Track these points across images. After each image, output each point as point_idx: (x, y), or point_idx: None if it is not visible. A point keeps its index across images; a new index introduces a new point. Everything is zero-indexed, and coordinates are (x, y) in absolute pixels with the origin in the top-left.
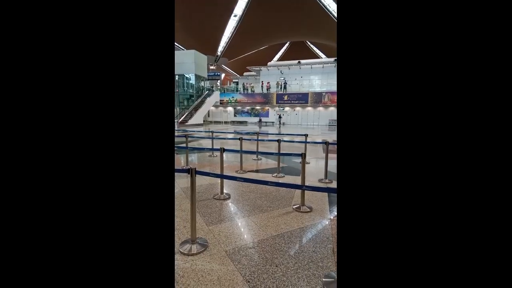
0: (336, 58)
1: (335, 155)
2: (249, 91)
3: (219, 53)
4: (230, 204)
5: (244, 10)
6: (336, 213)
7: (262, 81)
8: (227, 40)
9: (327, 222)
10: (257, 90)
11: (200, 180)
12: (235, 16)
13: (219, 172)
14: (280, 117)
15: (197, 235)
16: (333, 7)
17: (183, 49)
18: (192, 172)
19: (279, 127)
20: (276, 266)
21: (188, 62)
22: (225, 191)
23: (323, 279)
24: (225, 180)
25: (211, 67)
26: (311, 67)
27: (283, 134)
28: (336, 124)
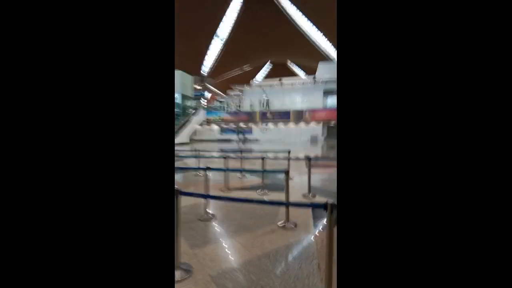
0: (314, 76)
1: (316, 170)
2: (233, 109)
3: (204, 73)
4: (215, 225)
5: (229, 34)
6: (320, 228)
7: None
8: (213, 62)
9: (312, 238)
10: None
11: (184, 200)
12: (221, 40)
13: (203, 192)
14: (240, 132)
15: (181, 260)
16: (309, 31)
17: None
18: (176, 194)
19: (240, 142)
20: (262, 287)
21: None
22: (210, 211)
23: None
24: (210, 200)
25: (197, 87)
26: (292, 85)
27: (267, 151)
28: (316, 139)
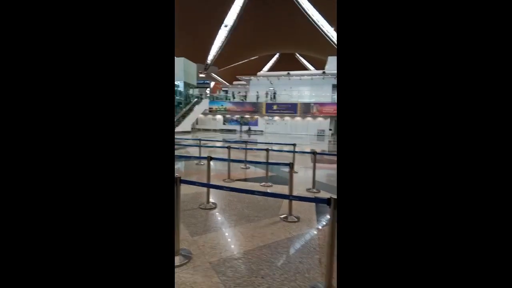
0: (323, 70)
1: (322, 165)
2: (238, 99)
3: (209, 62)
4: (216, 213)
5: (235, 21)
6: (323, 223)
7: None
8: (218, 50)
9: (314, 232)
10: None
11: (186, 189)
12: (225, 26)
13: (205, 181)
14: (244, 123)
15: (181, 246)
16: (321, 22)
17: None
18: (176, 181)
19: (244, 133)
20: (262, 277)
21: (177, 69)
22: (211, 200)
23: None
24: (211, 189)
25: (201, 75)
26: (300, 78)
27: (272, 143)
28: (323, 134)
